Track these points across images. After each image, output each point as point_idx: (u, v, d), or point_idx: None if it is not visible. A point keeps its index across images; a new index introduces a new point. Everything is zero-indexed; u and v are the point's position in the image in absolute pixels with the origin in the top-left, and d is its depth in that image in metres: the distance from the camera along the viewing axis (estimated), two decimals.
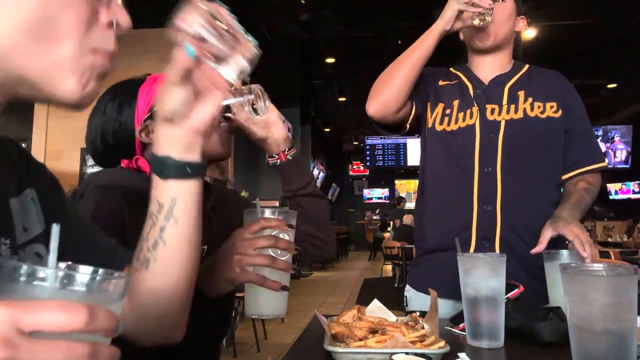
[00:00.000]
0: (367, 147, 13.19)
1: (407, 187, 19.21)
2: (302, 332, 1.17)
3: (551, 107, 1.42)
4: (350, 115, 14.00)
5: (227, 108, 0.97)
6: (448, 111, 1.46)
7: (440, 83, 1.53)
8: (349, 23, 7.46)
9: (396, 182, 19.28)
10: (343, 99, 11.99)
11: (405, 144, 13.12)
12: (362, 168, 18.73)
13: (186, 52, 0.52)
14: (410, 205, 18.69)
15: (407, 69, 1.42)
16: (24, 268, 0.34)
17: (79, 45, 0.44)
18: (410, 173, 17.99)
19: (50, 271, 0.35)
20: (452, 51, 1.67)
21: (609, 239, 9.68)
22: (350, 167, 20.20)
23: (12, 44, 0.40)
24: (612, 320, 0.72)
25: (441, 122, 1.46)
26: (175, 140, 0.57)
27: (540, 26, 7.42)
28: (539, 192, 1.39)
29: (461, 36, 1.51)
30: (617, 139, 10.59)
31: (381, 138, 13.49)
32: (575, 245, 1.20)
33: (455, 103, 1.46)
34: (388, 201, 19.67)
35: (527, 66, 1.52)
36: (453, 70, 1.56)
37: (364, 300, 5.63)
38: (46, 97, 0.45)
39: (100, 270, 0.37)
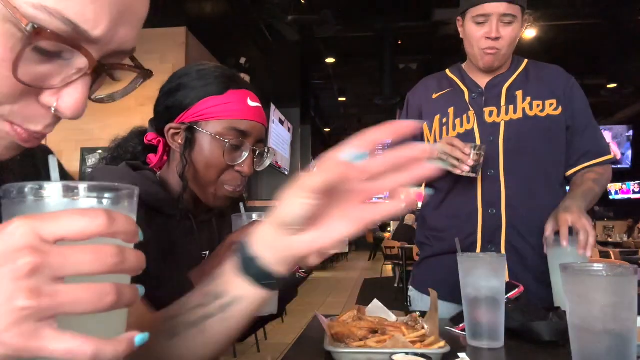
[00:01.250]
0: None
1: None
2: (302, 332, 1.17)
3: (551, 104, 1.39)
4: (350, 115, 14.00)
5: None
6: (445, 120, 1.44)
7: (434, 96, 1.50)
8: (349, 23, 7.46)
9: None
10: (343, 99, 11.99)
11: None
12: None
13: (352, 157, 0.46)
14: None
15: None
16: (29, 186, 0.35)
17: None
18: None
19: (57, 184, 0.35)
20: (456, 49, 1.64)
21: (609, 239, 9.67)
22: None
23: None
24: (612, 320, 0.72)
25: (440, 135, 1.44)
26: (277, 248, 0.51)
27: (540, 26, 7.41)
28: (543, 193, 1.37)
29: (460, 33, 1.47)
30: (617, 139, 10.58)
31: None
32: (579, 236, 1.19)
33: (451, 110, 1.44)
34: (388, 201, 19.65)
35: (525, 62, 1.49)
36: (449, 74, 1.54)
37: (364, 300, 5.63)
38: None
39: (107, 184, 0.37)
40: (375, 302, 1.19)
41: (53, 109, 0.41)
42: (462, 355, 0.89)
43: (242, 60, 5.99)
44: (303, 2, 6.55)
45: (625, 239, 9.44)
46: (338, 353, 0.88)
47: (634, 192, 13.00)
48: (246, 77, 5.84)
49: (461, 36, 1.45)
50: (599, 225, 11.10)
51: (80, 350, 0.31)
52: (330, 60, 9.51)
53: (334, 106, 13.22)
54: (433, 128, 1.46)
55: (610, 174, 1.42)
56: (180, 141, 0.88)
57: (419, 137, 1.48)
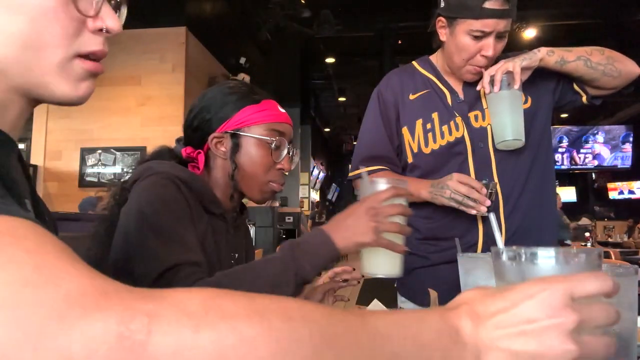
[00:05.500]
0: None
1: None
2: None
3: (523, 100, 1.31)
4: (350, 115, 14.01)
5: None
6: (429, 126, 1.34)
7: (411, 97, 1.38)
8: (349, 23, 7.46)
9: None
10: (343, 99, 12.00)
11: None
12: None
13: None
14: None
15: None
16: (523, 251, 0.49)
17: (66, 53, 0.49)
18: None
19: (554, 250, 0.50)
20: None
21: (609, 239, 9.67)
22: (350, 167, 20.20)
23: (9, 56, 0.46)
24: None
25: (426, 143, 1.34)
26: None
27: (540, 26, 7.42)
28: (539, 191, 1.35)
29: (440, 35, 1.35)
30: (617, 139, 10.59)
31: None
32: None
33: (435, 116, 1.33)
34: None
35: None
36: (422, 70, 1.42)
37: (364, 300, 5.60)
38: (50, 100, 0.50)
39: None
40: (375, 302, 1.19)
41: (105, 29, 0.51)
42: None
43: (242, 60, 5.99)
44: (303, 1, 6.55)
45: (626, 239, 9.44)
46: None
47: (631, 192, 13.01)
48: (246, 77, 5.84)
49: (441, 39, 1.35)
50: (599, 225, 11.11)
51: None
52: (330, 60, 9.52)
53: (334, 106, 13.23)
54: (416, 134, 1.35)
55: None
56: (224, 148, 0.97)
57: (396, 142, 1.39)
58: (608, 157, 10.35)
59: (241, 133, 0.97)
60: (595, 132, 10.32)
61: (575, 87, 1.36)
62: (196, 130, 1.00)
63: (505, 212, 1.32)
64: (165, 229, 0.80)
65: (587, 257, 0.53)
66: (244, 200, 1.06)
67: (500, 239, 0.66)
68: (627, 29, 7.35)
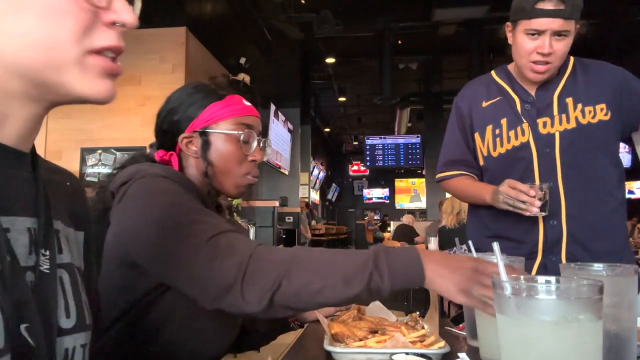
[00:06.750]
0: (367, 147, 13.19)
1: (406, 186, 19.21)
2: (302, 332, 1.17)
3: (601, 109, 1.36)
4: (350, 115, 14.00)
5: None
6: (497, 131, 1.42)
7: (484, 104, 1.48)
8: (349, 23, 7.45)
9: (396, 181, 19.29)
10: (343, 99, 11.99)
11: (405, 144, 13.11)
12: (362, 168, 18.73)
13: None
14: (410, 205, 18.67)
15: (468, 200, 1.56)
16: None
17: (80, 49, 0.46)
18: (410, 173, 18.00)
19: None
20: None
21: None
22: (350, 167, 20.21)
23: (22, 58, 0.43)
24: (612, 321, 0.72)
25: (494, 147, 1.43)
26: None
27: None
28: (601, 200, 1.36)
29: (509, 38, 1.42)
30: None
31: (381, 138, 13.48)
32: None
33: (504, 121, 1.42)
34: (388, 201, 19.68)
35: (572, 61, 1.43)
36: (496, 78, 1.50)
37: (364, 300, 5.60)
38: (70, 99, 0.48)
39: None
40: (375, 302, 1.19)
41: (118, 23, 0.48)
42: (462, 355, 0.89)
43: (242, 60, 5.99)
44: (303, 2, 6.55)
45: None
46: (338, 353, 0.88)
47: (631, 192, 13.00)
48: (246, 77, 5.84)
49: (509, 42, 1.42)
50: None
51: None
52: (330, 60, 9.51)
53: (334, 106, 13.22)
54: (486, 139, 1.45)
55: None
56: (195, 147, 0.99)
57: (472, 146, 1.49)
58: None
59: (209, 130, 0.98)
60: None
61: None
62: (166, 133, 1.01)
63: (567, 218, 1.34)
64: (195, 212, 0.81)
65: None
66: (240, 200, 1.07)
67: (503, 270, 0.66)
68: (627, 29, 7.35)
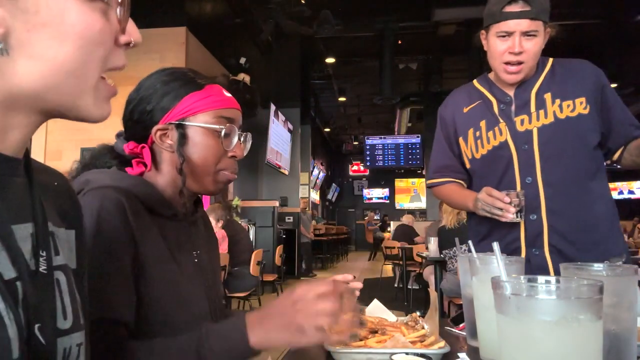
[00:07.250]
0: (367, 147, 13.20)
1: (406, 186, 19.21)
2: None
3: (580, 102, 1.38)
4: (350, 115, 14.01)
5: None
6: (478, 134, 1.47)
7: (465, 110, 1.53)
8: (349, 23, 7.46)
9: (396, 181, 19.30)
10: (343, 99, 11.99)
11: (405, 144, 13.12)
12: (362, 168, 18.75)
13: None
14: (410, 205, 18.67)
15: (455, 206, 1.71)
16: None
17: (98, 74, 0.48)
18: (410, 173, 18.01)
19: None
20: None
21: None
22: (350, 167, 20.23)
23: (51, 83, 0.44)
24: (612, 321, 0.72)
25: (477, 149, 1.48)
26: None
27: None
28: (581, 192, 1.38)
29: (484, 46, 1.48)
30: None
31: (381, 138, 13.49)
32: None
33: (482, 124, 1.46)
34: (388, 201, 19.69)
35: (550, 61, 1.47)
36: (477, 85, 1.55)
37: (364, 300, 5.61)
38: (74, 119, 0.49)
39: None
40: (375, 302, 1.19)
41: (132, 42, 0.50)
42: (462, 355, 0.89)
43: (242, 60, 5.99)
44: (303, 2, 6.55)
45: (626, 239, 9.46)
46: (338, 353, 0.88)
47: (631, 192, 13.02)
48: (246, 77, 5.84)
49: (485, 49, 1.47)
50: None
51: None
52: (330, 60, 9.51)
53: (334, 106, 13.23)
54: (469, 142, 1.50)
55: None
56: (170, 140, 0.89)
57: (456, 151, 1.55)
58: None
59: (187, 123, 0.89)
60: None
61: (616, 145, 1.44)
62: (137, 123, 0.92)
63: (547, 212, 1.37)
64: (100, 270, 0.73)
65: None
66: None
67: (503, 270, 0.66)
68: (627, 29, 7.34)
